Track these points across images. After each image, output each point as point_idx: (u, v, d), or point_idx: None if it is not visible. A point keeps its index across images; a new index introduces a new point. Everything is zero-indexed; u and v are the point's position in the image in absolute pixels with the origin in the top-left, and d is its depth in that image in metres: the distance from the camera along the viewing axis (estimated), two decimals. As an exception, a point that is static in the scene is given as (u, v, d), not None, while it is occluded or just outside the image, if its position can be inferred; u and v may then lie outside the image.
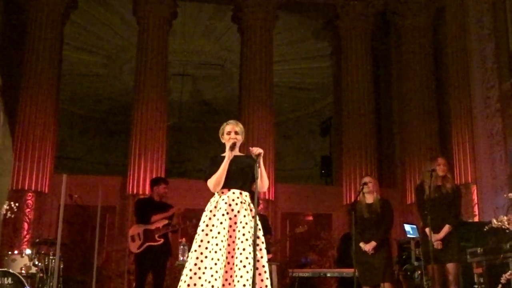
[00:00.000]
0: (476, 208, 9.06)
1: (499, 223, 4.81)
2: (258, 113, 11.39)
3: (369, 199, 6.38)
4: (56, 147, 11.15)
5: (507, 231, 5.45)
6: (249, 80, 11.64)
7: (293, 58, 15.44)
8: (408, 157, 11.39)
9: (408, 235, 8.08)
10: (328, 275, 7.39)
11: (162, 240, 6.95)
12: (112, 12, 13.56)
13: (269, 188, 10.57)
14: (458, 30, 10.05)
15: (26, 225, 10.08)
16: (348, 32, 12.17)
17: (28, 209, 10.16)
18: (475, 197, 9.09)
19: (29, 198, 10.22)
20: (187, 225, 6.91)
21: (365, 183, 6.36)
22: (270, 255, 7.25)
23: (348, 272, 6.88)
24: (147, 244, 6.98)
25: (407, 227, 8.19)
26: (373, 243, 6.16)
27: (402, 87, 12.01)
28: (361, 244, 6.25)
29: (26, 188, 10.17)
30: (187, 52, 15.21)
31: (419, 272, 7.54)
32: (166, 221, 7.03)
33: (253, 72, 11.61)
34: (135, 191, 10.49)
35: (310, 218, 11.52)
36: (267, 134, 11.27)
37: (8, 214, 6.35)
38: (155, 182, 7.45)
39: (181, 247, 5.91)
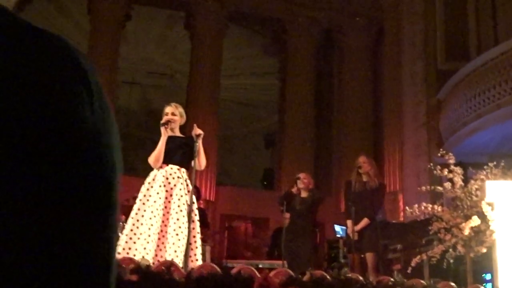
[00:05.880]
0: (402, 214, 9.67)
1: (411, 211, 5.35)
2: (203, 122, 11.62)
3: (304, 193, 6.86)
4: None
5: (425, 227, 5.99)
6: (197, 85, 11.87)
7: (241, 73, 15.84)
8: (343, 168, 11.96)
9: (337, 235, 8.59)
10: (260, 266, 7.74)
11: None
12: (66, 15, 13.67)
13: (209, 189, 10.91)
14: (394, 49, 10.81)
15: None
16: (294, 47, 12.74)
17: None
18: (401, 204, 9.72)
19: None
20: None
21: (299, 178, 6.85)
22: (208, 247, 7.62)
23: (278, 263, 7.30)
24: None
25: (337, 228, 8.70)
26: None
27: (343, 103, 12.67)
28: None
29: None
30: (138, 60, 15.40)
31: (346, 269, 8.02)
32: None
33: (202, 78, 11.85)
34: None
35: (249, 221, 11.89)
36: (210, 147, 11.46)
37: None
38: None
39: (120, 223, 6.20)
